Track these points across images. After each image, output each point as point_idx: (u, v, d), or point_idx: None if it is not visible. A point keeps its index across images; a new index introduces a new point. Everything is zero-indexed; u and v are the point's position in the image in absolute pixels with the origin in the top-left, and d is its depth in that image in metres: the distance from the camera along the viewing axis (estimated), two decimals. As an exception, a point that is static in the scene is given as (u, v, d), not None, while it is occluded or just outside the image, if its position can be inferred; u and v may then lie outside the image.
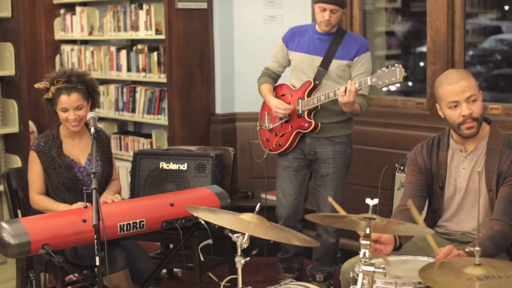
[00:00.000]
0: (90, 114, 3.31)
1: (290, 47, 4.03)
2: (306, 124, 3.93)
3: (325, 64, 3.90)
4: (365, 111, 3.95)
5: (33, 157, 3.54)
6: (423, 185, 3.07)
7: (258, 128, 4.21)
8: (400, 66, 3.55)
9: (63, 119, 3.51)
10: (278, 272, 4.33)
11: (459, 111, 2.87)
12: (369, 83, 3.65)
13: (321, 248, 4.10)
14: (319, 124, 3.92)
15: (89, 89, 3.57)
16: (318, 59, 3.92)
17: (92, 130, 3.21)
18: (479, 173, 2.91)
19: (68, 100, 3.47)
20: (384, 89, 3.66)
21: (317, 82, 3.91)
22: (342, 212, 2.57)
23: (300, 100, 3.95)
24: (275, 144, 4.07)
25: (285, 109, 3.93)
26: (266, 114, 4.14)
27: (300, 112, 3.94)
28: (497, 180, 2.88)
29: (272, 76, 4.15)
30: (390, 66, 3.59)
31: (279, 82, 4.19)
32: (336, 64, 3.90)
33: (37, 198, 3.53)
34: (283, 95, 4.06)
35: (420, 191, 3.06)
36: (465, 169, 2.96)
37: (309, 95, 3.92)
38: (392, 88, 6.17)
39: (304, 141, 4.00)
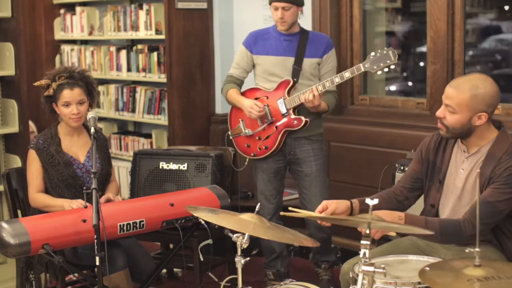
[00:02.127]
0: (91, 114, 3.31)
1: (255, 52, 4.04)
2: (296, 122, 3.93)
3: (298, 63, 3.94)
4: (331, 109, 4.03)
5: (32, 155, 3.54)
6: (416, 177, 3.09)
7: (231, 137, 4.15)
8: (391, 48, 3.64)
9: (65, 114, 3.52)
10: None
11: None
12: (362, 70, 3.71)
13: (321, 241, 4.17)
14: (309, 120, 3.93)
15: (88, 87, 3.60)
16: (290, 60, 3.95)
17: (92, 130, 3.22)
18: (478, 174, 2.88)
19: (72, 94, 3.50)
20: (379, 73, 3.71)
21: (295, 79, 3.93)
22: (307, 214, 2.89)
23: (282, 99, 3.94)
24: (260, 148, 4.04)
25: (259, 111, 3.92)
26: (241, 121, 4.09)
27: (285, 111, 3.94)
28: (487, 184, 2.83)
29: (237, 83, 4.13)
30: (380, 50, 3.65)
31: (249, 86, 4.14)
32: (308, 63, 3.95)
33: (36, 195, 3.53)
34: (256, 98, 4.03)
35: (410, 181, 3.10)
36: (464, 169, 2.94)
37: (289, 93, 3.94)
38: (393, 88, 6.17)
39: (285, 142, 4.00)
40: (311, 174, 4.02)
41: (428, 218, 2.84)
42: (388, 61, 3.64)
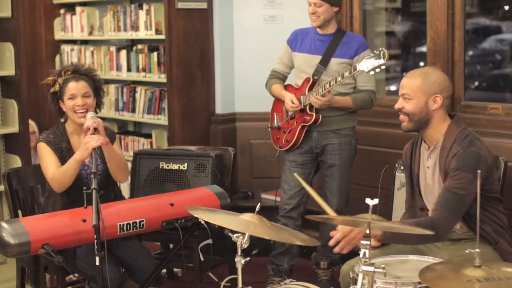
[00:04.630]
0: (90, 114, 3.30)
1: (294, 49, 4.18)
2: (308, 117, 4.05)
3: (324, 62, 4.04)
4: (360, 106, 4.08)
5: (44, 147, 3.43)
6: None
7: (269, 130, 4.32)
8: (383, 48, 3.72)
9: (70, 108, 3.44)
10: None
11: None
12: (358, 69, 3.78)
13: (327, 233, 4.18)
14: (320, 116, 4.03)
15: (95, 84, 3.54)
16: (317, 58, 4.06)
17: (92, 129, 3.21)
18: (480, 175, 2.88)
19: (76, 87, 3.44)
20: (371, 73, 3.78)
21: (315, 77, 4.04)
22: (311, 191, 2.87)
23: (302, 96, 4.07)
24: (284, 141, 4.18)
25: (292, 106, 4.06)
26: (275, 115, 4.27)
27: (303, 107, 4.05)
28: (445, 176, 2.91)
29: (279, 77, 4.28)
30: (375, 51, 3.75)
31: (286, 83, 4.29)
32: (335, 62, 4.03)
33: (54, 173, 3.38)
34: None
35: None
36: (429, 167, 3.01)
37: (309, 90, 4.05)
38: (393, 88, 6.17)
39: (311, 136, 4.11)
40: (334, 165, 4.12)
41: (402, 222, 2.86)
42: (378, 62, 3.70)
